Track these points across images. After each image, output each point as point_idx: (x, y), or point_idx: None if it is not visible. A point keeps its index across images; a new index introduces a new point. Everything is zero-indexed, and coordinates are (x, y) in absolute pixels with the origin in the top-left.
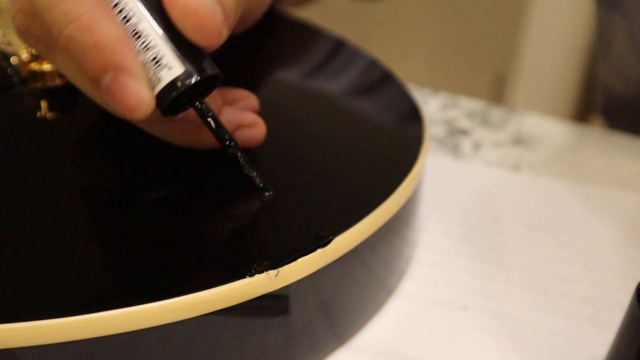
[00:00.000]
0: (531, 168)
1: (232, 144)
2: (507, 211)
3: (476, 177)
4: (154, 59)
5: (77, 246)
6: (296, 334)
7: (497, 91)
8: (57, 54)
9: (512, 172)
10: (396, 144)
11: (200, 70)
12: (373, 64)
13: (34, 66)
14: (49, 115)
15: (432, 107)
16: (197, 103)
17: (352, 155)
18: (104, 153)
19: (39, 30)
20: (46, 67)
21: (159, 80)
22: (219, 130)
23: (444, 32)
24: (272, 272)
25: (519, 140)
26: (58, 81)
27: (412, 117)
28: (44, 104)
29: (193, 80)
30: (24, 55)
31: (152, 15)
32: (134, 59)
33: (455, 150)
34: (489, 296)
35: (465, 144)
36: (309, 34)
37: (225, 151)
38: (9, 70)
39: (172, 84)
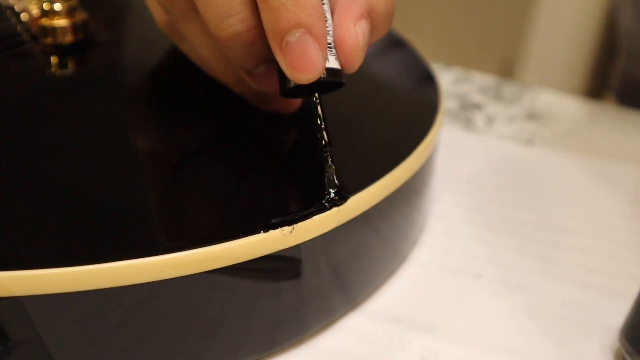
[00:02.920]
0: (544, 143)
1: (328, 146)
2: (521, 183)
3: (489, 150)
4: (329, 43)
5: (87, 196)
6: (308, 297)
7: (506, 74)
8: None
9: (526, 146)
10: (412, 111)
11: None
12: (391, 35)
13: (45, 22)
14: (59, 72)
15: (444, 81)
16: (317, 95)
17: (369, 121)
18: (116, 108)
19: None
20: (57, 22)
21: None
22: (322, 128)
23: (453, 15)
24: (286, 229)
25: (533, 116)
26: (69, 37)
27: (429, 86)
28: (54, 61)
29: (342, 80)
30: (34, 11)
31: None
32: (324, 27)
33: (468, 124)
34: (502, 265)
35: (478, 117)
36: None
37: (319, 149)
38: (19, 27)
39: (334, 71)
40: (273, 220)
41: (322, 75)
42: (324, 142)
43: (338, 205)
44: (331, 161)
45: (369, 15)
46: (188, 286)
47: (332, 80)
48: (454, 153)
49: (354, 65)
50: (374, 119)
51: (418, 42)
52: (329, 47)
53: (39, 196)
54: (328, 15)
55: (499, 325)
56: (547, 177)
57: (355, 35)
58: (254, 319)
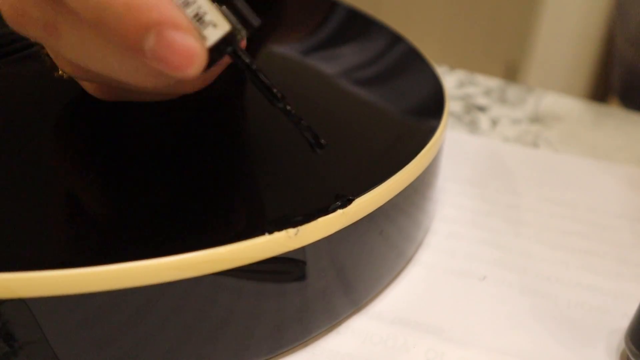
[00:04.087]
0: (549, 145)
1: (283, 97)
2: (525, 185)
3: (494, 152)
4: (195, 15)
5: (94, 198)
6: (313, 299)
7: (510, 77)
8: (66, 32)
9: (530, 148)
10: (417, 113)
11: (246, 23)
12: (396, 37)
13: None
14: (65, 74)
15: (448, 84)
16: (241, 56)
17: (374, 123)
18: (121, 110)
19: (38, 11)
20: None
21: (205, 38)
22: (267, 84)
23: (457, 18)
24: (291, 231)
25: (537, 118)
26: None
27: (433, 88)
28: None
29: (244, 36)
30: None
31: None
32: (174, 10)
33: (472, 126)
34: (507, 267)
35: (483, 120)
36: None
37: (273, 105)
38: None
39: (223, 41)
40: (278, 223)
41: (227, 50)
42: (277, 96)
43: (342, 207)
44: (292, 115)
45: None
46: (193, 288)
47: (232, 46)
48: (459, 155)
49: None
50: (379, 121)
51: (422, 45)
52: (198, 20)
53: (44, 198)
54: None
55: (504, 327)
56: (551, 179)
57: None
58: (259, 321)
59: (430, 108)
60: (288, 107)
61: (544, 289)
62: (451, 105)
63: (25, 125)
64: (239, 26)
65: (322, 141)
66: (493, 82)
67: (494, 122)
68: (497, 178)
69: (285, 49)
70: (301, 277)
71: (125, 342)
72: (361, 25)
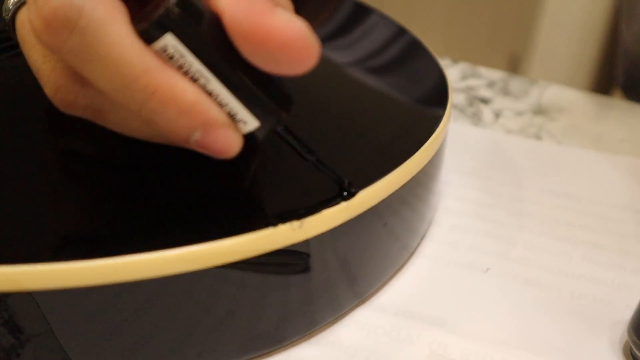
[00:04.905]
0: (552, 137)
1: (314, 157)
2: (528, 178)
3: (497, 144)
4: (229, 113)
5: (100, 191)
6: (317, 291)
7: (513, 70)
8: (113, 115)
9: (533, 141)
10: (421, 105)
11: (275, 116)
12: (400, 30)
13: None
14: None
15: (451, 76)
16: (281, 130)
17: (378, 116)
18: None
19: (86, 100)
20: None
21: (242, 127)
22: (300, 147)
23: (460, 11)
24: (295, 223)
25: (540, 110)
26: None
27: (437, 81)
28: None
29: (267, 130)
30: None
31: (216, 71)
32: (216, 111)
33: (474, 119)
34: (510, 260)
35: (485, 112)
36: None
37: (305, 160)
38: None
39: (252, 135)
40: (282, 215)
41: (259, 135)
42: (309, 157)
43: (346, 199)
44: (323, 165)
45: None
46: (198, 281)
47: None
48: (462, 147)
49: (311, 58)
50: (383, 113)
51: (425, 38)
52: (232, 117)
53: (51, 192)
54: (211, 87)
55: (507, 319)
56: (554, 171)
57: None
58: (264, 313)
59: (433, 100)
60: (318, 163)
61: (547, 281)
62: (454, 98)
63: (27, 118)
64: (267, 121)
65: (353, 190)
66: (496, 75)
67: (497, 114)
68: (500, 170)
69: None
70: (305, 269)
71: (131, 334)
72: (365, 18)
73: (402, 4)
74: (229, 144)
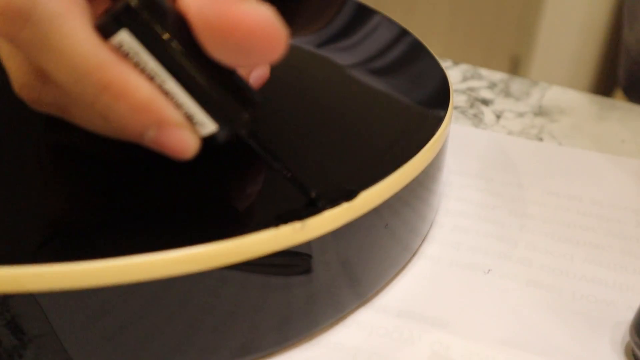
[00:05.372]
0: (553, 138)
1: (288, 172)
2: (530, 179)
3: (498, 145)
4: (186, 114)
5: (102, 192)
6: (319, 292)
7: (514, 71)
8: (77, 113)
9: (534, 142)
10: (422, 106)
11: (235, 120)
12: (402, 31)
13: None
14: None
15: (452, 78)
16: (244, 133)
17: (379, 117)
18: None
19: (50, 98)
20: None
21: (200, 129)
22: (272, 157)
23: (462, 13)
24: (297, 224)
25: (541, 111)
26: None
27: (438, 82)
28: None
29: (227, 134)
30: None
31: (172, 71)
32: (171, 111)
33: (476, 120)
34: (512, 260)
35: (486, 113)
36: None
37: (272, 169)
38: None
39: (210, 139)
40: (284, 216)
41: (219, 138)
42: (282, 169)
43: (348, 200)
44: (293, 177)
45: None
46: (200, 282)
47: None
48: (463, 148)
49: (279, 46)
50: (384, 115)
51: (427, 40)
52: (189, 118)
53: (53, 193)
54: (167, 87)
55: (509, 319)
56: (556, 172)
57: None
58: (266, 314)
59: (435, 102)
60: (291, 175)
61: (549, 282)
62: (455, 99)
63: (28, 118)
64: (226, 125)
65: (318, 201)
66: (497, 76)
67: (498, 116)
68: (502, 171)
69: (293, 42)
70: (307, 270)
71: (133, 336)
72: (367, 19)
73: (403, 5)
74: (183, 145)
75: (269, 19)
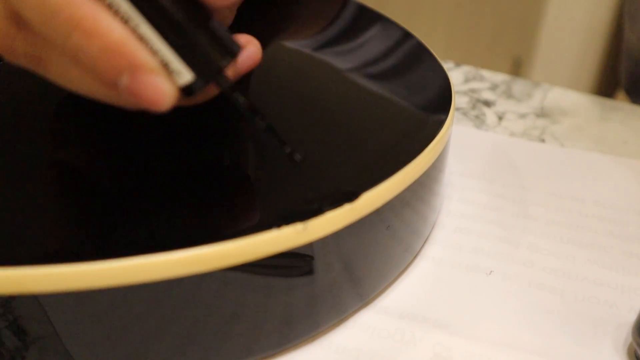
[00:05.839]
0: (555, 140)
1: (263, 118)
2: (532, 180)
3: (500, 147)
4: (162, 62)
5: (104, 194)
6: (321, 293)
7: (516, 72)
8: (52, 64)
9: (536, 143)
10: (424, 108)
11: (212, 69)
12: (403, 33)
13: None
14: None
15: (454, 79)
16: (222, 83)
17: (381, 118)
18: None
19: (25, 46)
20: None
21: (176, 79)
22: (248, 107)
23: (463, 14)
24: (299, 226)
25: (543, 113)
26: None
27: (440, 84)
28: None
29: (204, 84)
30: None
31: (146, 13)
32: (145, 55)
33: (477, 121)
34: (514, 262)
35: (488, 115)
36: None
37: (255, 126)
38: None
39: (187, 89)
40: (286, 218)
41: (196, 89)
42: (258, 117)
43: (350, 201)
44: (274, 132)
45: None
46: (202, 283)
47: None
48: (465, 150)
49: None
50: (386, 116)
51: (428, 41)
52: (165, 66)
53: (55, 194)
54: (142, 31)
55: (511, 321)
56: (558, 173)
57: None
58: (268, 316)
59: (437, 103)
60: (269, 126)
61: (551, 283)
62: (457, 101)
63: (31, 119)
64: (203, 74)
65: (297, 156)
66: (499, 77)
67: (500, 117)
68: (504, 172)
69: (295, 44)
70: (309, 271)
71: (136, 337)
72: (368, 21)
73: (405, 7)
74: (159, 92)
75: None
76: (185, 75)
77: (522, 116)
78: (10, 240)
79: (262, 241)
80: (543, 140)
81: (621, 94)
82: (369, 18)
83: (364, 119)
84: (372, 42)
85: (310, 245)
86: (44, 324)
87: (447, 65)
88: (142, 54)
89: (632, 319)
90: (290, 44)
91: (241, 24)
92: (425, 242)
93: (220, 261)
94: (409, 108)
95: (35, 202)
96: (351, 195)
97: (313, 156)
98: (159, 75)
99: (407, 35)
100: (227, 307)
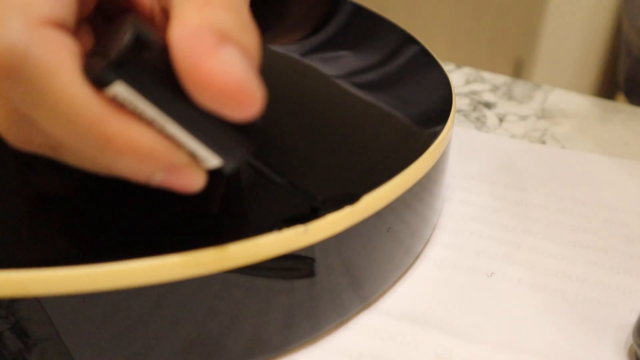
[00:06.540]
0: (556, 141)
1: (287, 181)
2: (533, 182)
3: (501, 149)
4: (189, 153)
5: (106, 197)
6: (322, 295)
7: (517, 74)
8: (69, 152)
9: (537, 145)
10: (425, 110)
11: (238, 153)
12: (404, 35)
13: None
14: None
15: (455, 81)
16: (251, 163)
17: (382, 120)
18: None
19: (41, 138)
20: None
21: (204, 162)
22: (271, 174)
23: (464, 16)
24: (300, 228)
25: (544, 114)
26: None
27: (441, 86)
28: None
29: (232, 167)
30: None
31: (171, 114)
32: (176, 153)
33: (478, 123)
34: (515, 264)
35: (489, 116)
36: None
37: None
38: None
39: (219, 169)
40: (287, 220)
41: (226, 170)
42: (282, 183)
43: (351, 204)
44: (295, 186)
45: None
46: (203, 285)
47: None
48: (466, 152)
49: (250, 104)
50: (387, 119)
51: (429, 43)
52: (193, 156)
53: (57, 197)
54: (168, 130)
55: (512, 323)
56: (559, 175)
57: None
58: (269, 318)
59: (437, 105)
60: (289, 184)
61: (552, 285)
62: (458, 102)
63: None
64: (229, 159)
65: (322, 209)
66: (500, 79)
67: (501, 119)
68: (505, 174)
69: (295, 48)
70: (310, 274)
71: (137, 339)
72: (369, 23)
73: (406, 9)
74: (192, 182)
75: (240, 80)
76: (214, 161)
77: (523, 118)
78: (12, 243)
79: (264, 243)
80: (544, 142)
81: (622, 96)
82: (369, 20)
83: (365, 121)
84: (372, 45)
85: (312, 247)
86: (46, 327)
87: (447, 67)
88: (173, 153)
89: (633, 320)
90: (291, 47)
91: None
92: (426, 244)
93: (221, 263)
94: (410, 110)
95: (37, 204)
96: (352, 198)
97: (314, 159)
98: (190, 167)
99: (407, 38)
100: (228, 309)
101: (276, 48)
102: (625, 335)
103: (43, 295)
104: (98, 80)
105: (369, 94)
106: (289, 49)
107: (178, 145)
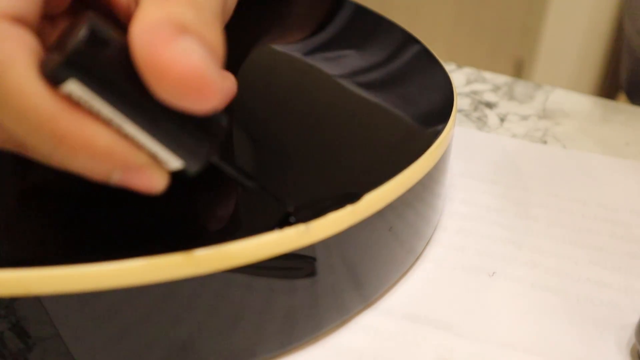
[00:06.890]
0: (557, 141)
1: (256, 185)
2: (534, 182)
3: (503, 148)
4: (150, 154)
5: (107, 196)
6: (323, 295)
7: (518, 74)
8: (32, 151)
9: (538, 144)
10: (426, 109)
11: (201, 154)
12: (405, 35)
13: None
14: None
15: (456, 81)
16: (214, 162)
17: (383, 120)
18: None
19: (4, 134)
20: None
21: (167, 166)
22: (239, 178)
23: (465, 16)
24: (301, 227)
25: (545, 114)
26: None
27: (442, 85)
28: None
29: (195, 170)
30: None
31: (128, 114)
32: (134, 153)
33: (479, 123)
34: (516, 263)
35: (490, 116)
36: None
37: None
38: None
39: (181, 172)
40: (288, 219)
41: (190, 171)
42: (251, 185)
43: (352, 203)
44: (265, 190)
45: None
46: (204, 285)
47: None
48: (467, 152)
49: (210, 95)
50: (388, 118)
51: (430, 43)
52: (153, 157)
53: (57, 195)
54: (126, 129)
55: (514, 322)
56: (560, 175)
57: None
58: (270, 317)
59: (439, 105)
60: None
61: (554, 285)
62: (459, 102)
63: None
64: (192, 161)
65: (293, 219)
66: (501, 79)
67: (502, 119)
68: (506, 174)
69: (297, 47)
70: (311, 273)
71: (138, 339)
72: (370, 23)
73: (407, 9)
74: (152, 183)
75: (198, 67)
76: (175, 163)
77: (524, 118)
78: (13, 242)
79: (265, 243)
80: (545, 142)
81: (623, 96)
82: (370, 20)
83: (366, 120)
84: (373, 45)
85: (313, 247)
86: (46, 326)
87: (449, 67)
88: (130, 154)
89: (635, 320)
90: (293, 47)
91: (245, 27)
92: (427, 243)
93: (222, 263)
94: (411, 110)
95: (38, 203)
96: (353, 197)
97: (315, 158)
98: (150, 167)
99: (408, 38)
100: (229, 308)
101: (278, 48)
102: (628, 335)
103: (44, 295)
104: (51, 77)
105: (370, 93)
106: (290, 49)
107: (137, 145)
